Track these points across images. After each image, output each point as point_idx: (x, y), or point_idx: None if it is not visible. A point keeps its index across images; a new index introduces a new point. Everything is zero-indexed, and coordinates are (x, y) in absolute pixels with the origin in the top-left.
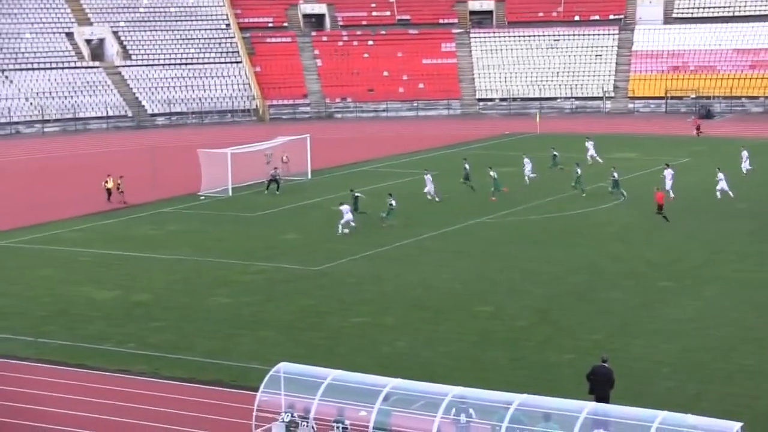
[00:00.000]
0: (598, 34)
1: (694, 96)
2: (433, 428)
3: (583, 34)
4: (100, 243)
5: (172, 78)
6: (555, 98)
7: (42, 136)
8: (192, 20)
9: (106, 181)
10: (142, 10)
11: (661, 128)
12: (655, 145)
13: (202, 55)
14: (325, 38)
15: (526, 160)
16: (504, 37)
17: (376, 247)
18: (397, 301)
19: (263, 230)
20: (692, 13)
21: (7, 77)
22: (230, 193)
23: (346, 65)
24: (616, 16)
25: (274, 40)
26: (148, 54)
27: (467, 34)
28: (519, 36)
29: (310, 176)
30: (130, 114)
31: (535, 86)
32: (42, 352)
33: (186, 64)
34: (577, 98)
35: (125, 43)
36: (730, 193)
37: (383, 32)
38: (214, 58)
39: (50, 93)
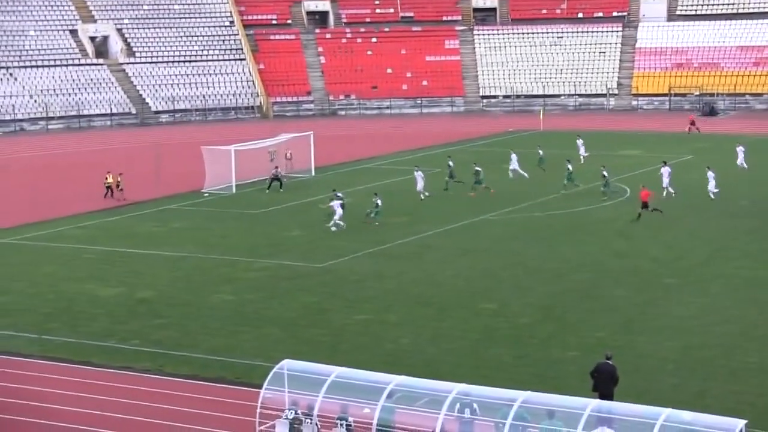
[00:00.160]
0: (602, 31)
1: (697, 93)
2: (436, 425)
3: (587, 31)
4: (103, 240)
5: (176, 75)
6: (558, 95)
7: (46, 134)
8: (196, 17)
9: (106, 178)
10: (146, 7)
11: (664, 125)
12: (658, 142)
13: (205, 53)
14: (328, 35)
15: (513, 156)
16: (507, 34)
17: (379, 245)
18: (401, 298)
19: (267, 227)
20: (696, 10)
21: (11, 74)
22: (234, 190)
23: (350, 62)
24: (620, 13)
25: (277, 37)
26: (152, 51)
27: (471, 31)
28: (522, 33)
29: (313, 173)
30: (134, 111)
31: (538, 83)
32: (46, 349)
33: (190, 61)
34: (580, 95)
35: (129, 40)
36: (713, 193)
37: (387, 29)
38: (217, 55)
39: (54, 90)
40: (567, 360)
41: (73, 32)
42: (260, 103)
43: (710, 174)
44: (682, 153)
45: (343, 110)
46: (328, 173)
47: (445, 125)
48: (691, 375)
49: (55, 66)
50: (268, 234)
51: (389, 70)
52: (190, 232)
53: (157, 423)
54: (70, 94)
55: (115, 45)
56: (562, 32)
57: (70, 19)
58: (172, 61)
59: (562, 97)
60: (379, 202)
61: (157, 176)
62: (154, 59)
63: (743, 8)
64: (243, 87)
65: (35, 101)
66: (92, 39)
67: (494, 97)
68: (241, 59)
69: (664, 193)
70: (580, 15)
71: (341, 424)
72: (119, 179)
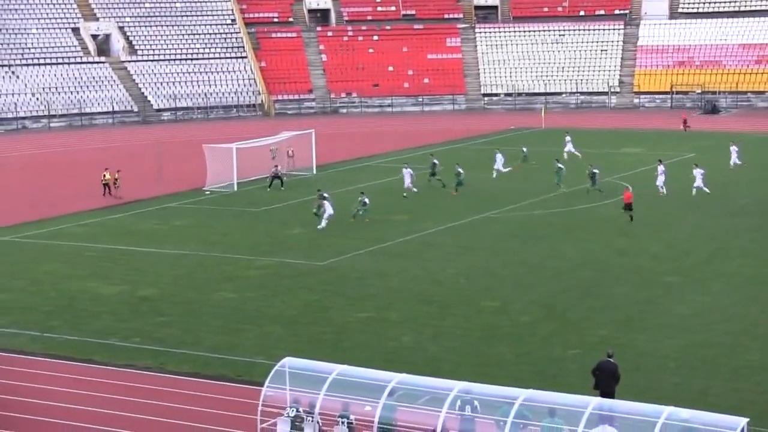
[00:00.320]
0: (604, 29)
1: (699, 91)
2: (438, 423)
3: (589, 29)
4: (105, 238)
5: (178, 73)
6: (560, 93)
7: (48, 131)
8: (197, 15)
9: (104, 175)
10: (147, 5)
11: (666, 123)
12: (659, 140)
13: (207, 51)
14: (330, 33)
15: (498, 155)
16: (509, 32)
17: (380, 243)
18: (402, 296)
19: (268, 225)
20: (698, 8)
21: (13, 72)
22: (235, 188)
23: (352, 60)
24: (622, 11)
25: (279, 35)
26: (153, 49)
27: (472, 29)
28: (524, 31)
29: (315, 171)
30: (135, 109)
31: (540, 81)
32: (48, 346)
33: (191, 59)
34: (582, 93)
35: (131, 38)
36: (695, 188)
37: (388, 27)
38: (219, 53)
39: (56, 88)
40: (568, 358)
41: (76, 30)
42: (262, 101)
43: (697, 171)
44: (684, 151)
45: (344, 108)
46: (330, 171)
47: (447, 123)
48: (692, 373)
49: (58, 64)
50: (269, 232)
51: (391, 68)
52: (191, 230)
53: (158, 420)
54: (72, 92)
55: (117, 43)
56: (564, 30)
57: (73, 17)
58: (174, 59)
59: (564, 95)
60: (366, 200)
61: (158, 174)
62: (156, 57)
63: (745, 6)
64: (244, 85)
65: (37, 99)
66: (94, 37)
67: (496, 95)
68: (242, 57)
69: (660, 191)
70: (582, 13)
71: (343, 422)
72: (116, 176)
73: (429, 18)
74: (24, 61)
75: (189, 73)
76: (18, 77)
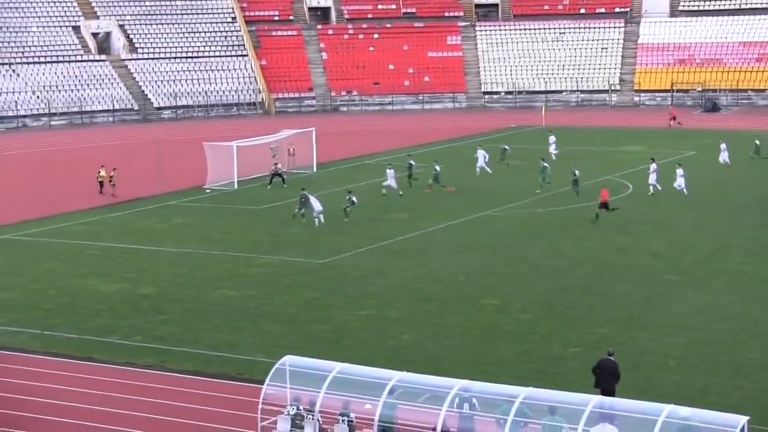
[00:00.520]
0: (604, 27)
1: (700, 89)
2: (438, 421)
3: (589, 27)
4: (106, 236)
5: (178, 71)
6: (561, 91)
7: (48, 130)
8: (198, 14)
9: (99, 172)
10: (148, 3)
11: (666, 121)
12: (660, 138)
13: (208, 49)
14: (330, 31)
15: (480, 152)
16: (509, 30)
17: (380, 241)
18: (403, 294)
19: (269, 223)
20: (698, 6)
21: (14, 71)
22: (236, 186)
23: (352, 58)
24: (622, 9)
25: (279, 33)
26: (154, 47)
27: (473, 27)
28: (524, 29)
29: (315, 169)
30: (136, 107)
31: (540, 79)
32: (48, 344)
33: (192, 57)
34: (582, 91)
35: (132, 36)
36: (685, 190)
37: (389, 25)
38: (220, 51)
39: (57, 86)
40: (568, 356)
41: (76, 28)
42: (262, 99)
43: (679, 171)
44: (684, 149)
45: (344, 106)
46: (330, 169)
47: (447, 121)
48: (693, 371)
49: (58, 62)
50: (270, 230)
51: (391, 66)
52: (192, 228)
53: (158, 419)
54: (72, 90)
55: (118, 41)
56: (565, 28)
57: (73, 15)
58: (175, 58)
59: (565, 93)
60: (354, 198)
61: (159, 172)
62: (157, 55)
63: (746, 4)
64: (245, 83)
65: (38, 97)
66: (95, 35)
67: (496, 93)
68: (243, 55)
69: (651, 189)
70: (583, 11)
71: (343, 420)
72: (112, 174)
73: (429, 16)
74: (24, 59)
75: (189, 71)
76: (18, 75)
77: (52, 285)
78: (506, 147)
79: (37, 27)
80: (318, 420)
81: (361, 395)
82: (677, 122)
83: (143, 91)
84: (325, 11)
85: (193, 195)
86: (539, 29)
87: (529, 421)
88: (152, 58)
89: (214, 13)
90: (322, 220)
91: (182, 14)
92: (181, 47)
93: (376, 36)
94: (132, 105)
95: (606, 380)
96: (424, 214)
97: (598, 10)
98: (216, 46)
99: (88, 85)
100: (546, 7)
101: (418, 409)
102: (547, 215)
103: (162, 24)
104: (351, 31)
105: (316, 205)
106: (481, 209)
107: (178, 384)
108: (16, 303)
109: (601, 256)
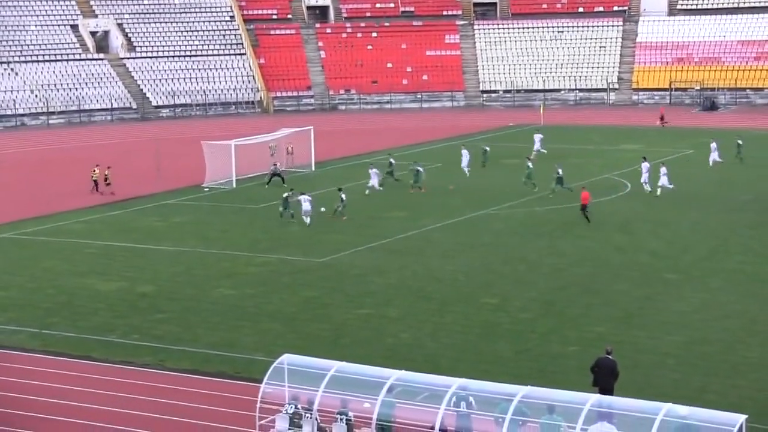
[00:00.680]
0: (602, 26)
1: (698, 88)
2: (437, 420)
3: (587, 26)
4: (104, 234)
5: (177, 70)
6: (559, 90)
7: (47, 128)
8: (196, 12)
9: (94, 171)
10: (146, 2)
11: (656, 122)
12: (658, 136)
13: (206, 47)
14: (329, 30)
15: (464, 151)
16: (508, 28)
17: (379, 239)
18: (402, 292)
19: (267, 222)
20: (696, 5)
21: (12, 69)
22: (234, 185)
23: (350, 57)
24: (620, 8)
25: (278, 31)
26: (152, 46)
27: (471, 25)
28: (523, 27)
29: (313, 168)
30: (134, 106)
31: (539, 78)
32: (47, 343)
33: (190, 56)
34: (581, 90)
35: (130, 35)
36: (666, 187)
37: (387, 24)
38: (218, 50)
39: (55, 85)
40: (567, 355)
41: (74, 27)
42: (260, 97)
43: (662, 170)
44: (683, 147)
45: (343, 105)
46: (328, 168)
47: (446, 120)
48: (691, 370)
49: (56, 61)
50: (268, 229)
51: (389, 65)
52: (190, 226)
53: (157, 417)
54: (70, 88)
55: (116, 40)
56: (563, 27)
57: (71, 13)
58: (173, 56)
59: (563, 92)
60: (343, 197)
61: (157, 171)
62: (155, 54)
63: (744, 3)
64: (243, 82)
65: (36, 96)
66: (93, 34)
67: (495, 91)
68: (241, 54)
69: (645, 187)
70: (581, 9)
71: (341, 419)
72: (107, 173)
73: (428, 15)
74: (22, 58)
75: (188, 69)
76: (17, 74)
77: (50, 284)
78: (486, 148)
79: (35, 25)
80: (316, 419)
81: (360, 394)
82: (664, 122)
83: (141, 89)
84: (324, 10)
85: (191, 194)
86: (537, 28)
87: (527, 419)
88: (150, 57)
89: (212, 12)
90: (307, 221)
91: (180, 13)
92: (180, 46)
93: (374, 35)
94: (130, 104)
95: (604, 379)
96: (423, 212)
97: (596, 9)
98: (214, 44)
99: (86, 83)
100: (544, 6)
101: (416, 408)
102: (546, 214)
103: (160, 23)
104: (349, 30)
105: (305, 205)
106: (480, 208)
107: (176, 383)
108: (14, 302)
109: (600, 254)
